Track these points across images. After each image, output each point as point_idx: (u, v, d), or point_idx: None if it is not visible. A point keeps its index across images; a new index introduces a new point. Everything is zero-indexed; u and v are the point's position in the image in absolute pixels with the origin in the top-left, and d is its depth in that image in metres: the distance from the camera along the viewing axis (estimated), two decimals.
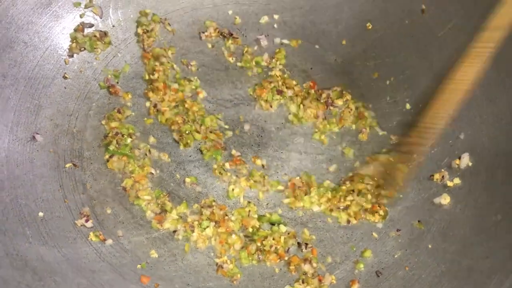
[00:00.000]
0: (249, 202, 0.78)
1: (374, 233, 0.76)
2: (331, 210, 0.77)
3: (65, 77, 0.84)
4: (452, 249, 0.70)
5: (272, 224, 0.76)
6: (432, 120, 0.74)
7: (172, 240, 0.76)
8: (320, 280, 0.72)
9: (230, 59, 0.88)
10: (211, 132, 0.82)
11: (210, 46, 0.89)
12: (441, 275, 0.69)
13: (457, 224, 0.73)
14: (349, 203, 0.77)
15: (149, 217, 0.77)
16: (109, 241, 0.75)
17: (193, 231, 0.75)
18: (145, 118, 0.84)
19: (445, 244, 0.71)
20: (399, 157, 0.77)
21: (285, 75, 0.87)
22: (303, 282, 0.71)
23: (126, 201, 0.78)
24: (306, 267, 0.73)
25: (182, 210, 0.77)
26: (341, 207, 0.77)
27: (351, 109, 0.84)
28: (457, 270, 0.68)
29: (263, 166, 0.81)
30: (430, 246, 0.72)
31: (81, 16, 0.86)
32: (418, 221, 0.75)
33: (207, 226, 0.75)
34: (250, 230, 0.75)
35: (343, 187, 0.78)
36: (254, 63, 0.88)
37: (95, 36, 0.86)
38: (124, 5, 0.89)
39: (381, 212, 0.76)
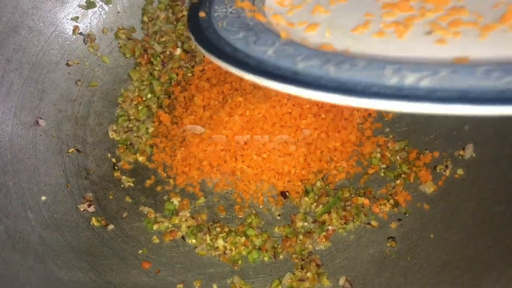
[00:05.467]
0: None
1: (374, 222, 0.76)
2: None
3: (68, 64, 0.84)
4: (454, 238, 0.70)
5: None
6: None
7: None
8: (318, 266, 0.72)
9: None
10: None
11: None
12: (442, 265, 0.68)
13: (460, 213, 0.72)
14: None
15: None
16: (111, 226, 0.75)
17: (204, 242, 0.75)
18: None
19: (447, 234, 0.71)
20: None
21: None
22: (302, 269, 0.71)
23: (129, 188, 0.79)
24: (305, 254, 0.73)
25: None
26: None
27: None
28: (459, 260, 0.67)
29: None
30: (432, 236, 0.72)
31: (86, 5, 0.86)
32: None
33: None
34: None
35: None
36: None
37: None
38: None
39: (392, 202, 0.76)
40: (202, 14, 0.64)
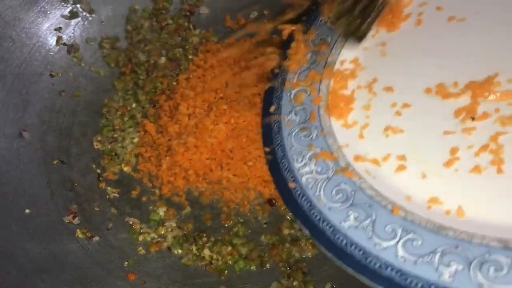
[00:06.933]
0: None
1: None
2: None
3: (52, 75, 0.83)
4: None
5: None
6: None
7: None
8: (305, 274, 0.71)
9: None
10: None
11: None
12: None
13: None
14: None
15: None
16: (96, 238, 0.74)
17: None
18: None
19: None
20: None
21: None
22: (289, 277, 0.71)
23: (114, 198, 0.78)
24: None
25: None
26: None
27: None
28: None
29: None
30: None
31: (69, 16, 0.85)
32: None
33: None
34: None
35: None
36: None
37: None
38: (113, 0, 0.88)
39: None
40: (292, 184, 0.64)
